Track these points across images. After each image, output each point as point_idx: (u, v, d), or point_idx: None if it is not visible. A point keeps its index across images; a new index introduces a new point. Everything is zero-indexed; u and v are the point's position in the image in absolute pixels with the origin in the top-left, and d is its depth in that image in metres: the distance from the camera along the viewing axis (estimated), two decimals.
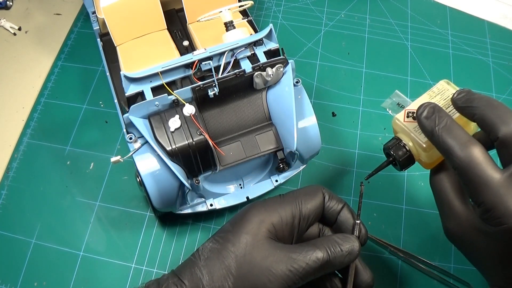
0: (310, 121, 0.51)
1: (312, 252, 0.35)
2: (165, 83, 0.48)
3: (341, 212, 0.39)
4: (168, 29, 0.60)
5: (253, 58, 0.51)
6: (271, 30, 0.50)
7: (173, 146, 0.46)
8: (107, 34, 0.58)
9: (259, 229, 0.36)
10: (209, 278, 0.35)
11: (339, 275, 0.41)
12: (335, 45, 0.75)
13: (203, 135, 0.46)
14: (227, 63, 0.49)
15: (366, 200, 0.61)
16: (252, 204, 0.38)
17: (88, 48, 0.72)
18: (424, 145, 0.41)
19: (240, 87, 0.50)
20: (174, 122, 0.47)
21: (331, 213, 0.39)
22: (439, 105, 0.38)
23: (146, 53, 0.57)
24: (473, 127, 0.42)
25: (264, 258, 0.34)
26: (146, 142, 0.47)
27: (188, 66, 0.48)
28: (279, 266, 0.34)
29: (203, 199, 0.55)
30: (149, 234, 0.57)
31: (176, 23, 0.63)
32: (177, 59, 0.48)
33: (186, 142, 0.46)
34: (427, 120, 0.37)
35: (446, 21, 0.79)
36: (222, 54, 0.49)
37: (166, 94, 0.47)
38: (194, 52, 0.48)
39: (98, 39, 0.64)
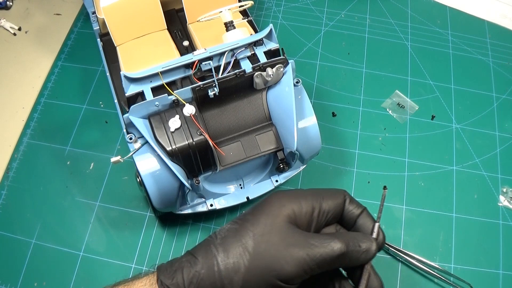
0: (310, 121, 0.51)
1: (331, 241, 0.35)
2: (165, 83, 0.48)
3: (360, 216, 0.39)
4: (168, 29, 0.60)
5: (253, 58, 0.50)
6: (271, 30, 0.50)
7: (173, 146, 0.46)
8: (107, 34, 0.58)
9: (280, 212, 0.36)
10: (224, 255, 0.35)
11: (350, 281, 0.41)
12: (335, 45, 0.75)
13: (203, 135, 0.46)
14: (227, 63, 0.49)
15: (366, 200, 0.60)
16: (274, 191, 0.39)
17: (88, 48, 0.72)
18: None
19: (240, 87, 0.50)
20: (174, 122, 0.47)
21: (350, 216, 0.39)
22: None
23: (146, 53, 0.57)
24: None
25: (282, 240, 0.34)
26: (146, 142, 0.47)
27: (188, 66, 0.48)
28: (297, 249, 0.34)
29: (203, 199, 0.55)
30: (149, 234, 0.57)
31: (176, 23, 0.63)
32: (177, 59, 0.48)
33: (186, 142, 0.46)
34: None
35: (446, 21, 0.79)
36: (222, 54, 0.49)
37: (166, 94, 0.47)
38: (194, 52, 0.48)
39: (98, 39, 0.63)
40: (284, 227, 0.35)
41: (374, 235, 0.38)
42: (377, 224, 0.39)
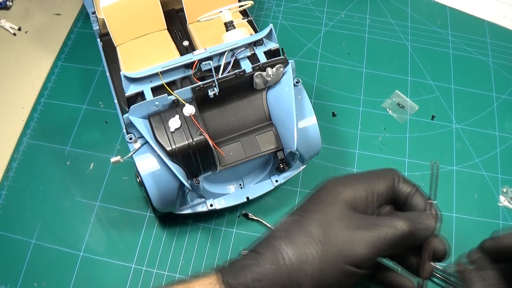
0: (310, 121, 0.51)
1: (394, 221, 0.34)
2: (165, 83, 0.48)
3: (412, 195, 0.39)
4: (168, 29, 0.60)
5: (253, 58, 0.50)
6: (271, 30, 0.50)
7: (173, 146, 0.46)
8: (107, 34, 0.58)
9: (339, 199, 0.35)
10: (292, 247, 0.33)
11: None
12: (335, 45, 0.75)
13: (203, 135, 0.46)
14: (227, 63, 0.49)
15: None
16: (328, 179, 0.39)
17: (88, 48, 0.72)
18: None
19: (240, 87, 0.50)
20: (174, 122, 0.47)
21: (401, 195, 0.39)
22: None
23: (146, 53, 0.57)
24: None
25: (349, 225, 0.34)
26: (146, 142, 0.47)
27: (188, 66, 0.48)
28: (365, 232, 0.33)
29: (203, 199, 0.55)
30: (149, 234, 0.57)
31: (176, 23, 0.63)
32: (177, 59, 0.48)
33: (186, 142, 0.46)
34: None
35: (446, 21, 0.79)
36: (222, 54, 0.49)
37: (166, 94, 0.47)
38: (194, 52, 0.48)
39: (98, 39, 0.63)
40: (346, 212, 0.35)
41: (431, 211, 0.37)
42: (433, 202, 0.38)
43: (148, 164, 0.47)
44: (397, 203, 0.39)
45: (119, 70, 0.54)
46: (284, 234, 0.35)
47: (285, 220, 0.37)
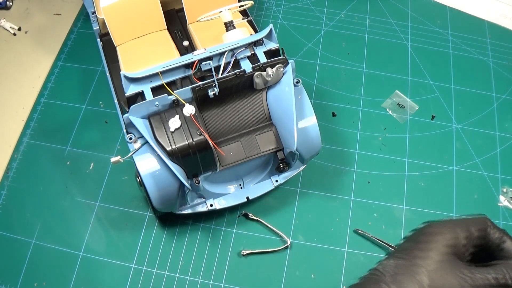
0: (310, 121, 0.51)
1: (493, 272, 0.35)
2: (165, 83, 0.48)
3: (503, 242, 0.38)
4: (168, 29, 0.60)
5: (253, 58, 0.50)
6: (271, 30, 0.50)
7: (173, 146, 0.46)
8: (107, 34, 0.58)
9: (446, 246, 0.36)
10: None
11: None
12: (335, 45, 0.75)
13: (203, 135, 0.46)
14: (227, 63, 0.49)
15: (367, 200, 0.60)
16: (431, 222, 0.39)
17: (88, 48, 0.72)
18: None
19: (240, 87, 0.50)
20: (174, 122, 0.47)
21: (493, 242, 0.39)
22: None
23: (146, 53, 0.57)
24: None
25: (455, 275, 0.35)
26: (146, 142, 0.47)
27: (188, 66, 0.48)
28: (467, 283, 0.34)
29: (203, 199, 0.55)
30: (149, 234, 0.57)
31: (176, 23, 0.63)
32: (177, 59, 0.48)
33: (186, 142, 0.46)
34: None
35: (446, 21, 0.79)
36: (222, 54, 0.49)
37: (166, 94, 0.47)
38: (194, 52, 0.48)
39: (98, 39, 0.63)
40: (452, 262, 0.36)
41: None
42: None
43: (148, 164, 0.47)
44: (488, 250, 0.39)
45: (119, 70, 0.54)
46: (392, 279, 0.35)
47: (388, 262, 0.37)
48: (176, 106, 0.48)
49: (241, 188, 0.56)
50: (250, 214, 0.58)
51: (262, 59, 0.50)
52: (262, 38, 0.50)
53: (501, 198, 0.61)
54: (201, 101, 0.50)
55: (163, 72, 0.47)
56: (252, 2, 0.56)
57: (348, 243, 0.57)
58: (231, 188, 0.56)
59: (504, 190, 0.62)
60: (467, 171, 0.63)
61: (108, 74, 0.60)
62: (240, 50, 0.49)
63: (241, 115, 0.52)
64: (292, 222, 0.59)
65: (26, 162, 0.62)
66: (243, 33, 0.52)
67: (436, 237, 0.37)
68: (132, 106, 0.46)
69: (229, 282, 0.55)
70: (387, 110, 0.68)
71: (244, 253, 0.56)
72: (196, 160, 0.48)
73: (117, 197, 0.60)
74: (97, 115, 0.66)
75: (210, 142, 0.47)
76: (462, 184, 0.62)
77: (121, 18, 0.56)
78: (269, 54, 0.51)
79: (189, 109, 0.47)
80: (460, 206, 0.60)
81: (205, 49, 0.48)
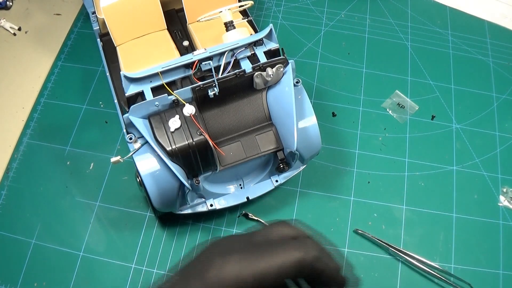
0: (310, 121, 0.51)
1: None
2: (165, 83, 0.48)
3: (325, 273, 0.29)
4: (168, 29, 0.60)
5: (253, 58, 0.50)
6: (271, 30, 0.50)
7: (173, 146, 0.46)
8: (107, 34, 0.58)
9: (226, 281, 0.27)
10: None
11: None
12: (335, 45, 0.75)
13: (203, 135, 0.46)
14: (227, 63, 0.49)
15: (366, 200, 0.60)
16: (219, 252, 0.29)
17: (88, 48, 0.72)
18: None
19: (240, 87, 0.50)
20: (174, 122, 0.47)
21: (314, 273, 0.29)
22: None
23: (146, 53, 0.57)
24: None
25: None
26: (146, 142, 0.47)
27: (188, 66, 0.48)
28: None
29: (203, 199, 0.55)
30: (149, 234, 0.57)
31: (176, 23, 0.63)
32: (177, 59, 0.48)
33: (186, 142, 0.46)
34: None
35: (446, 21, 0.79)
36: (222, 54, 0.49)
37: (166, 94, 0.47)
38: (194, 52, 0.48)
39: (98, 39, 0.63)
40: None
41: None
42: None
43: (148, 164, 0.47)
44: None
45: (119, 70, 0.54)
46: None
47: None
48: (176, 106, 0.48)
49: (241, 188, 0.56)
50: (250, 214, 0.58)
51: (262, 59, 0.50)
52: (262, 38, 0.50)
53: (501, 198, 0.61)
54: (201, 101, 0.50)
55: (163, 72, 0.47)
56: (252, 2, 0.56)
57: (348, 243, 0.57)
58: (231, 188, 0.56)
59: (504, 190, 0.62)
60: (467, 171, 0.63)
61: (108, 74, 0.60)
62: (240, 50, 0.49)
63: (241, 115, 0.52)
64: (292, 222, 0.59)
65: (26, 162, 0.62)
66: (243, 33, 0.52)
67: (217, 267, 0.28)
68: (132, 106, 0.46)
69: None
70: (387, 110, 0.68)
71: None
72: (196, 160, 0.48)
73: (117, 197, 0.60)
74: (97, 115, 0.66)
75: (210, 142, 0.47)
76: (462, 184, 0.62)
77: (121, 18, 0.56)
78: (269, 54, 0.51)
79: (189, 109, 0.47)
80: (460, 206, 0.60)
81: (205, 49, 0.48)
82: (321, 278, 0.29)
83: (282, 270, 0.27)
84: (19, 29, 0.75)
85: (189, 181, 0.49)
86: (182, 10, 0.60)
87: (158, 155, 0.46)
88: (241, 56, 0.50)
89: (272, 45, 0.52)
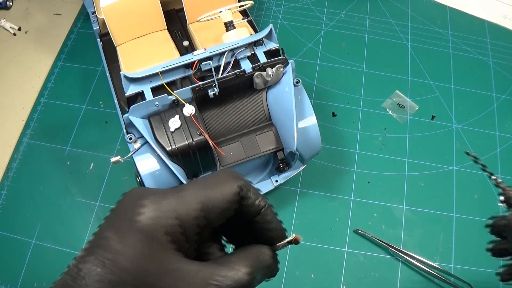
0: (310, 121, 0.51)
1: (235, 273, 0.25)
2: (165, 83, 0.48)
3: (261, 213, 0.28)
4: (168, 29, 0.60)
5: (253, 58, 0.50)
6: (271, 30, 0.50)
7: (173, 146, 0.46)
8: (107, 34, 0.58)
9: (159, 244, 0.25)
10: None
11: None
12: (335, 45, 0.75)
13: (203, 135, 0.46)
14: (227, 63, 0.49)
15: (366, 200, 0.60)
16: (141, 199, 0.27)
17: (88, 48, 0.72)
18: None
19: (240, 87, 0.50)
20: (174, 122, 0.47)
21: (246, 213, 0.28)
22: None
23: (146, 53, 0.57)
24: None
25: (177, 287, 0.24)
26: (146, 142, 0.47)
27: (188, 66, 0.48)
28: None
29: None
30: None
31: (176, 23, 0.62)
32: (177, 59, 0.48)
33: (186, 142, 0.46)
34: None
35: (446, 21, 0.79)
36: (222, 54, 0.49)
37: (166, 94, 0.47)
38: (194, 52, 0.48)
39: (98, 39, 0.63)
40: (171, 261, 0.26)
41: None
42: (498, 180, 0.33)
43: (148, 164, 0.47)
44: (242, 216, 0.29)
45: (119, 70, 0.54)
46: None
47: (91, 269, 0.25)
48: (176, 106, 0.48)
49: None
50: None
51: (262, 59, 0.50)
52: (262, 38, 0.50)
53: (501, 198, 0.61)
54: (201, 101, 0.50)
55: (163, 72, 0.47)
56: (252, 2, 0.56)
57: (348, 243, 0.57)
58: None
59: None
60: (467, 171, 0.63)
61: (108, 74, 0.60)
62: (240, 50, 0.49)
63: (241, 115, 0.52)
64: (292, 222, 0.59)
65: (26, 162, 0.62)
66: (243, 33, 0.52)
67: (144, 230, 0.25)
68: (132, 106, 0.46)
69: None
70: (387, 110, 0.68)
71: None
72: (196, 160, 0.48)
73: (117, 197, 0.59)
74: (97, 115, 0.66)
75: (210, 142, 0.47)
76: (462, 184, 0.62)
77: (121, 18, 0.56)
78: (269, 54, 0.51)
79: (189, 109, 0.47)
80: (460, 206, 0.60)
81: (205, 49, 0.48)
82: (258, 215, 0.28)
83: (226, 198, 0.26)
84: (19, 29, 0.75)
85: (189, 181, 0.49)
86: (182, 10, 0.60)
87: (158, 155, 0.46)
88: (241, 56, 0.50)
89: (272, 45, 0.52)
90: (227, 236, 0.31)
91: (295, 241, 0.30)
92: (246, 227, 0.29)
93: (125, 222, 0.26)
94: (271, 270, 0.29)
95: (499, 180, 0.34)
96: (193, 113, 0.47)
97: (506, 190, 0.33)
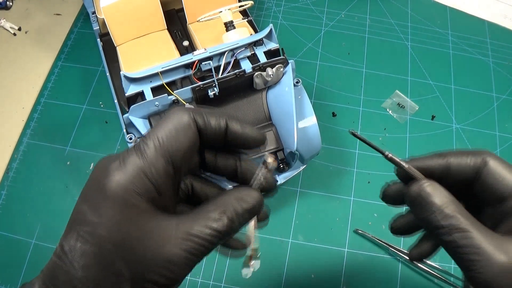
0: (310, 121, 0.51)
1: (212, 222, 0.25)
2: (165, 83, 0.48)
3: (228, 131, 0.27)
4: (168, 29, 0.60)
5: (253, 58, 0.50)
6: (271, 30, 0.50)
7: None
8: (107, 34, 0.58)
9: (136, 203, 0.25)
10: None
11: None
12: (335, 45, 0.75)
13: None
14: (227, 63, 0.49)
15: (367, 200, 0.60)
16: (107, 168, 0.27)
17: (88, 48, 0.72)
18: None
19: (240, 87, 0.50)
20: None
21: (213, 139, 0.27)
22: None
23: (146, 53, 0.57)
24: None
25: (159, 245, 0.24)
26: None
27: (188, 66, 0.48)
28: (176, 249, 0.24)
29: None
30: None
31: (176, 23, 0.63)
32: (177, 59, 0.48)
33: None
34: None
35: (446, 21, 0.79)
36: (222, 54, 0.49)
37: (166, 94, 0.47)
38: (194, 52, 0.48)
39: (98, 39, 0.64)
40: (148, 221, 0.26)
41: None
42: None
43: None
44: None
45: (119, 70, 0.54)
46: (84, 273, 0.25)
47: (74, 245, 0.27)
48: (176, 106, 0.48)
49: None
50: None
51: (262, 59, 0.50)
52: (262, 38, 0.50)
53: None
54: (201, 101, 0.50)
55: (163, 72, 0.47)
56: (252, 2, 0.56)
57: (348, 243, 0.57)
58: (231, 188, 0.56)
59: None
60: None
61: (108, 74, 0.60)
62: (240, 50, 0.49)
63: (241, 115, 0.52)
64: (292, 222, 0.59)
65: (26, 162, 0.62)
66: (243, 33, 0.52)
67: (115, 197, 0.26)
68: (132, 106, 0.46)
69: (229, 282, 0.55)
70: (387, 110, 0.68)
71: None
72: None
73: None
74: (97, 115, 0.66)
75: None
76: None
77: (121, 18, 0.56)
78: (269, 54, 0.51)
79: None
80: None
81: (205, 49, 0.48)
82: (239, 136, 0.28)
83: (184, 138, 0.25)
84: (19, 29, 0.75)
85: None
86: (182, 10, 0.60)
87: None
88: (241, 56, 0.50)
89: (272, 45, 0.52)
90: (211, 169, 0.31)
91: (267, 165, 0.28)
92: (223, 150, 0.29)
93: (96, 193, 0.26)
94: (254, 212, 0.29)
95: (390, 155, 0.33)
96: None
97: (400, 164, 0.32)
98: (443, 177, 0.30)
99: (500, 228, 0.27)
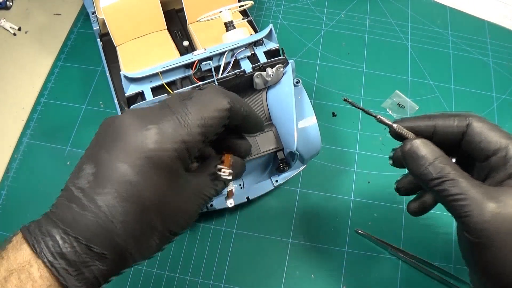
0: (310, 121, 0.51)
1: (215, 186, 0.33)
2: (165, 83, 0.48)
3: (245, 117, 0.33)
4: (168, 29, 0.60)
5: (253, 58, 0.50)
6: (271, 30, 0.50)
7: None
8: (107, 34, 0.58)
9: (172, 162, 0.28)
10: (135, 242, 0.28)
11: None
12: (335, 45, 0.75)
13: None
14: (227, 63, 0.49)
15: (366, 200, 0.60)
16: (145, 129, 0.28)
17: (88, 48, 0.72)
18: None
19: (240, 87, 0.50)
20: None
21: (234, 122, 0.32)
22: None
23: (146, 53, 0.57)
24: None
25: (185, 202, 0.30)
26: None
27: (188, 66, 0.48)
28: (194, 206, 0.31)
29: None
30: None
31: (176, 23, 0.63)
32: (177, 59, 0.48)
33: None
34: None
35: (446, 21, 0.79)
36: (222, 54, 0.49)
37: (166, 94, 0.47)
38: (194, 52, 0.48)
39: (98, 39, 0.64)
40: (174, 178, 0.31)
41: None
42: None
43: None
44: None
45: (119, 70, 0.54)
46: (123, 229, 0.28)
47: (113, 203, 0.28)
48: None
49: (241, 188, 0.56)
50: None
51: (262, 59, 0.50)
52: (262, 38, 0.50)
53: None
54: None
55: (163, 72, 0.48)
56: (252, 2, 0.56)
57: (348, 243, 0.57)
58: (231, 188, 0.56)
59: None
60: None
61: (108, 74, 0.60)
62: (240, 50, 0.49)
63: None
64: (292, 222, 0.59)
65: (26, 162, 0.62)
66: (243, 33, 0.52)
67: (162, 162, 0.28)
68: (132, 106, 0.46)
69: (229, 282, 0.55)
70: (387, 110, 0.68)
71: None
72: None
73: None
74: (97, 115, 0.66)
75: None
76: None
77: (121, 18, 0.56)
78: (269, 54, 0.51)
79: None
80: None
81: (205, 49, 0.48)
82: (248, 122, 0.33)
83: (222, 118, 0.30)
84: (19, 29, 0.75)
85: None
86: (182, 10, 0.60)
87: None
88: (241, 56, 0.50)
89: (272, 45, 0.52)
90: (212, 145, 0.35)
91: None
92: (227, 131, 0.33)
93: (135, 153, 0.27)
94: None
95: (380, 117, 0.36)
96: None
97: (389, 124, 0.35)
98: (430, 137, 0.33)
99: (488, 181, 0.31)
